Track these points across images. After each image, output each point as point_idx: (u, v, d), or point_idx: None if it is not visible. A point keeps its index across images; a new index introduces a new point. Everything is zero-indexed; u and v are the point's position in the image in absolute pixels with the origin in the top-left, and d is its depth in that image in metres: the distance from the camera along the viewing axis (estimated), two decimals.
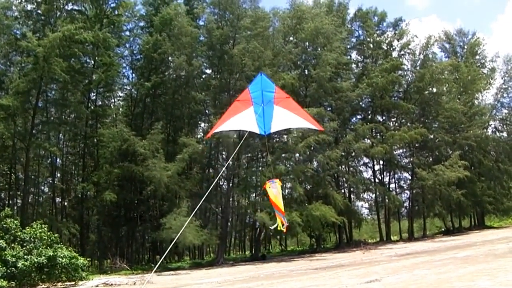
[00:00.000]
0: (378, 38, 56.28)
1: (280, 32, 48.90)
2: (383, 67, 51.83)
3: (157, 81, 46.99)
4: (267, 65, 45.20)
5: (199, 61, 47.31)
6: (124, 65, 52.90)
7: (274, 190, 11.25)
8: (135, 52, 52.17)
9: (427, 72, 52.88)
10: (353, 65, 57.43)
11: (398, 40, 56.09)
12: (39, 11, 45.22)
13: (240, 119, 11.24)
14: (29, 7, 45.84)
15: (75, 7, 47.08)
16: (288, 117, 11.27)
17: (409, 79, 55.73)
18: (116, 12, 49.47)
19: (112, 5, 49.14)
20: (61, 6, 45.91)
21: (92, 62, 48.28)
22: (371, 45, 56.12)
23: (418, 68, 55.06)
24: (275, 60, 46.85)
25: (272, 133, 11.91)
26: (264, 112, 11.11)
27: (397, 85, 54.60)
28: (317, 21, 48.07)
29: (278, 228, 10.88)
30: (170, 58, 47.48)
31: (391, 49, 56.45)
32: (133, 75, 53.40)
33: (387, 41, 56.48)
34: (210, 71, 51.34)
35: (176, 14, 45.33)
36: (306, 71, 50.39)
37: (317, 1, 54.55)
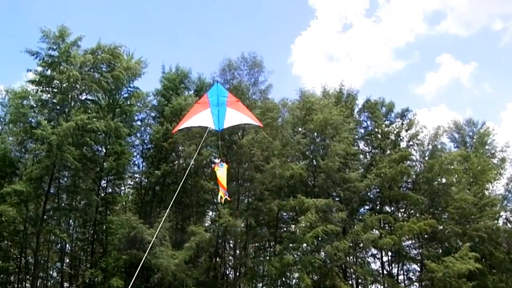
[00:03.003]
0: (386, 129, 56.45)
1: (289, 122, 49.82)
2: (392, 158, 51.98)
3: (167, 170, 47.71)
4: (275, 155, 45.98)
5: (208, 150, 48.12)
6: (135, 153, 53.93)
7: (221, 171, 15.31)
8: (146, 141, 53.16)
9: (436, 162, 52.81)
10: (361, 156, 57.40)
11: (406, 131, 56.11)
12: (54, 101, 46.70)
13: (200, 118, 14.85)
14: (44, 96, 47.25)
15: (89, 97, 48.67)
16: (237, 116, 15.04)
17: (418, 169, 55.60)
18: (129, 102, 51.05)
19: (125, 95, 50.77)
20: (76, 96, 47.43)
21: (104, 150, 49.42)
22: (379, 136, 56.30)
23: (427, 158, 54.97)
24: (284, 150, 47.58)
25: (225, 128, 15.41)
26: (219, 112, 14.52)
27: (406, 175, 54.33)
28: (326, 112, 48.82)
29: (220, 200, 15.50)
30: (180, 147, 48.33)
31: (399, 139, 56.50)
32: (143, 163, 54.34)
33: (395, 132, 56.50)
34: (219, 160, 51.92)
35: (187, 104, 46.36)
36: (314, 161, 50.54)
37: (326, 92, 55.67)
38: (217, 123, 14.90)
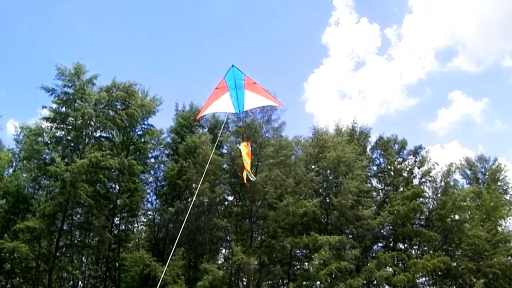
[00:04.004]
0: (398, 166, 56.59)
1: (302, 160, 50.01)
2: (404, 195, 51.94)
3: (180, 207, 47.71)
4: (289, 193, 46.01)
5: (222, 188, 48.27)
6: (149, 190, 54.22)
7: (244, 152, 16.37)
8: (159, 178, 53.41)
9: (449, 199, 52.68)
10: (374, 193, 57.34)
11: (419, 168, 56.19)
12: (68, 138, 47.08)
13: (220, 103, 15.35)
14: (59, 133, 47.61)
15: (103, 134, 48.93)
16: (255, 98, 15.39)
17: (431, 206, 55.36)
18: (143, 140, 51.38)
19: (139, 132, 51.11)
20: (90, 133, 47.81)
21: (117, 187, 49.48)
22: (392, 173, 56.40)
23: (439, 195, 54.85)
24: (297, 188, 47.64)
25: (245, 111, 16.26)
26: (238, 95, 15.10)
27: (419, 212, 54.20)
28: (339, 149, 49.00)
29: (245, 178, 16.26)
30: (193, 185, 48.41)
31: (412, 176, 56.55)
32: (157, 200, 54.47)
33: (407, 169, 56.58)
34: (232, 198, 52.25)
35: (201, 142, 46.75)
36: (327, 199, 50.55)
37: (339, 130, 55.90)
38: (237, 106, 15.52)
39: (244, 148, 16.70)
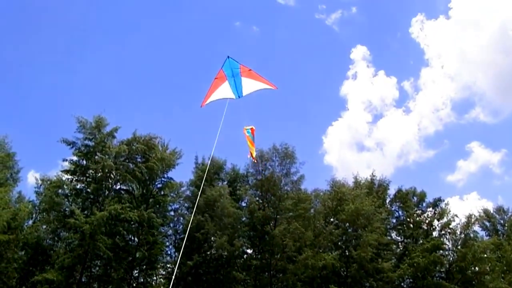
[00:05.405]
0: (418, 218, 56.37)
1: (321, 213, 50.06)
2: (424, 247, 51.53)
3: (199, 260, 47.64)
4: (308, 246, 45.92)
5: (241, 241, 48.32)
6: (168, 243, 54.14)
7: (248, 133, 18.21)
8: (179, 231, 53.42)
9: (469, 251, 52.17)
10: (394, 246, 56.91)
11: (438, 220, 56.00)
12: (88, 190, 47.41)
13: (221, 91, 16.95)
14: (79, 185, 47.97)
15: (123, 187, 49.30)
16: (252, 84, 17.02)
17: (451, 258, 54.91)
18: (162, 193, 51.54)
19: (159, 185, 51.36)
20: (110, 186, 48.14)
21: (136, 240, 49.35)
22: (411, 225, 56.18)
23: (459, 247, 54.45)
24: (316, 241, 47.64)
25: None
26: (235, 82, 16.83)
27: (439, 265, 53.74)
28: (358, 202, 49.06)
29: (249, 156, 19.09)
30: (212, 238, 48.44)
31: (432, 228, 56.28)
32: (176, 253, 54.14)
33: (427, 221, 56.32)
34: (251, 251, 52.11)
35: (220, 196, 46.91)
36: (347, 251, 50.19)
37: (357, 182, 56.06)
38: (236, 92, 17.12)
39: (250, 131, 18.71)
